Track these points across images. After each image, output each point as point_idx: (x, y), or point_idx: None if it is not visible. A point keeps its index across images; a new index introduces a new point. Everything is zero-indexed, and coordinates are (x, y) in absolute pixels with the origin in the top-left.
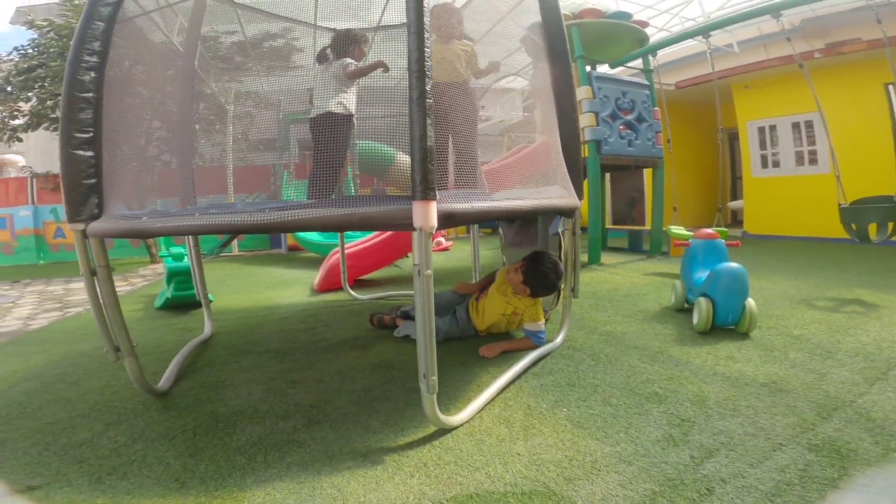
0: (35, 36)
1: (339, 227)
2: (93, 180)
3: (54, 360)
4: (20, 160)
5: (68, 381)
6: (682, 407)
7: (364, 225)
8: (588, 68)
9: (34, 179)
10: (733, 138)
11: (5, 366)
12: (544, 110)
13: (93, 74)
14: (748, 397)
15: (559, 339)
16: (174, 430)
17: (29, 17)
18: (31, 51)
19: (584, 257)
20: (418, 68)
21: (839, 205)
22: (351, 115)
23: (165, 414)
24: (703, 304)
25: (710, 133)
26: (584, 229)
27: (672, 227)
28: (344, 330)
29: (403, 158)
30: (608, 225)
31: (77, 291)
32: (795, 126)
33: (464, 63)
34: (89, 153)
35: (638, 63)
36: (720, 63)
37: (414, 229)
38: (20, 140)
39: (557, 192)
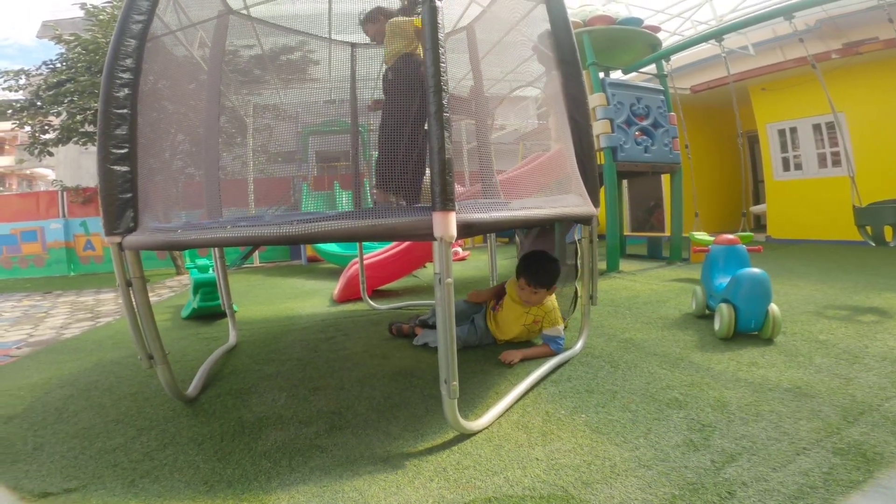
0: (63, 50)
1: (364, 237)
2: (128, 195)
3: (87, 368)
4: (50, 174)
5: (102, 387)
6: (703, 412)
7: (387, 236)
8: (601, 75)
9: (65, 193)
10: (753, 141)
11: (41, 373)
12: (557, 119)
13: (127, 91)
14: (771, 402)
15: (578, 346)
16: (203, 435)
17: (57, 32)
18: (59, 65)
19: (602, 265)
20: (435, 83)
21: (854, 206)
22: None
23: (194, 420)
24: (724, 310)
25: (727, 137)
26: (601, 237)
27: (695, 232)
28: (363, 339)
29: None
30: (626, 232)
31: (107, 302)
32: (816, 128)
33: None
34: (125, 168)
35: (651, 68)
36: (735, 65)
37: (434, 239)
38: (51, 154)
39: (574, 201)
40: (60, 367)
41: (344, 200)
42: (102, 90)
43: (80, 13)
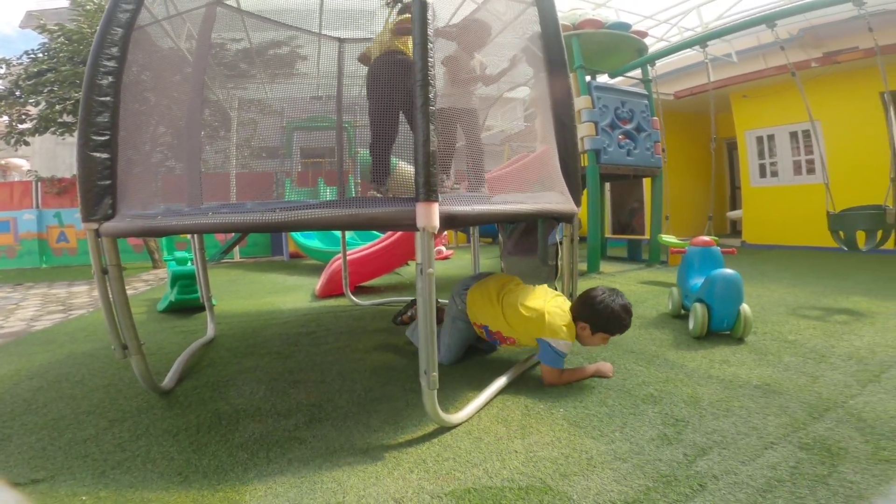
0: (45, 40)
1: (346, 226)
2: (107, 181)
3: (59, 360)
4: (25, 164)
5: (73, 379)
6: (676, 407)
7: (370, 225)
8: (588, 78)
9: (39, 183)
10: (732, 148)
11: (9, 365)
12: (543, 119)
13: (110, 79)
14: (741, 398)
15: None
16: (178, 426)
17: (41, 22)
18: (41, 55)
19: (582, 266)
20: (422, 77)
21: (828, 212)
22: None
23: (169, 412)
24: (698, 310)
25: (708, 143)
26: (582, 239)
27: (664, 236)
28: (345, 334)
29: (404, 167)
30: (608, 234)
31: (80, 294)
32: (793, 135)
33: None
34: (105, 155)
35: (637, 73)
36: (718, 73)
37: (417, 229)
38: (27, 144)
39: (556, 198)
40: (30, 358)
41: (328, 197)
42: (86, 77)
43: (65, 3)
